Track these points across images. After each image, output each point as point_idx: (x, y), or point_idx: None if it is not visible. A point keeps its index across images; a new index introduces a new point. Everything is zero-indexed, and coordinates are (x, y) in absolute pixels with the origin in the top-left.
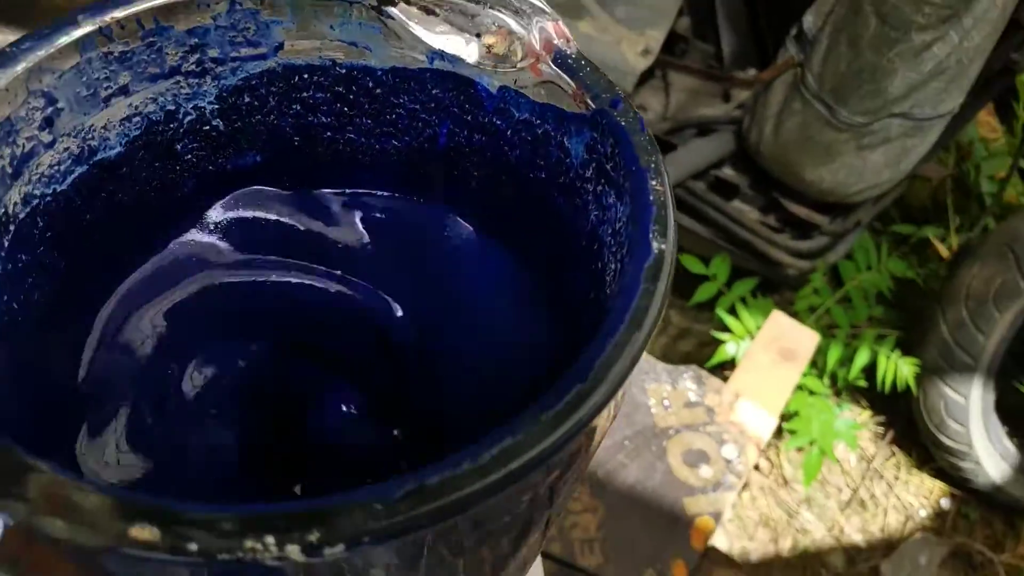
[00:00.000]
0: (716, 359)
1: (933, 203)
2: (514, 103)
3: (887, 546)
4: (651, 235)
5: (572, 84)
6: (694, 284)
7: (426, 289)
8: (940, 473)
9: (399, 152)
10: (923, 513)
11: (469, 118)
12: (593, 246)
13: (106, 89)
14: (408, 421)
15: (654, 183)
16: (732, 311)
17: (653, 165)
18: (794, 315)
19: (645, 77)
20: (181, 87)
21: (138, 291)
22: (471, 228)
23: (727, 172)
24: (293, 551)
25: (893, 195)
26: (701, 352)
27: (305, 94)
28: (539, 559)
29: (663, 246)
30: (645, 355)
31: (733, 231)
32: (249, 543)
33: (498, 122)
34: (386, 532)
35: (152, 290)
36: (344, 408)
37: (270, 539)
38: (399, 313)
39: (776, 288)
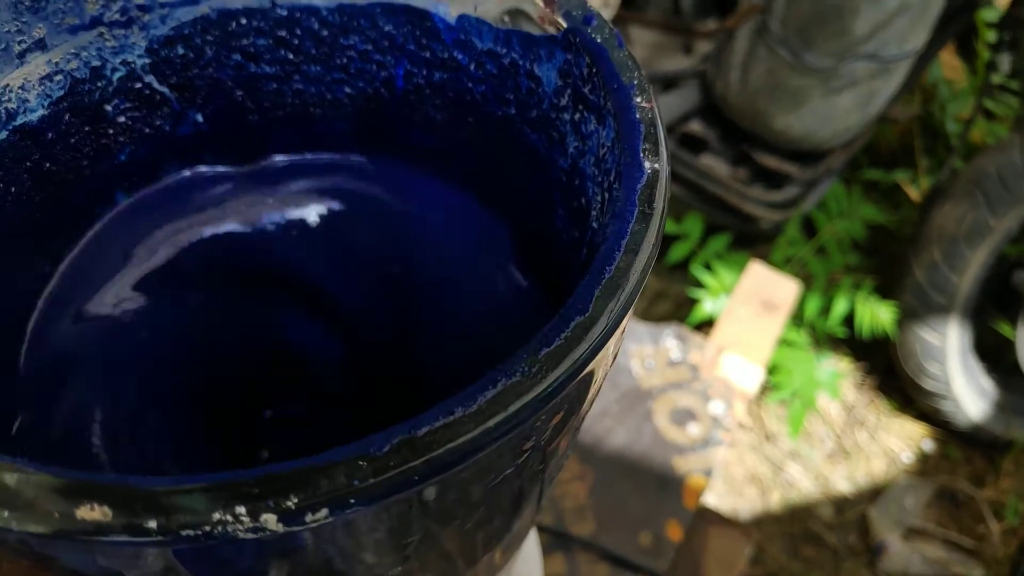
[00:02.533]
0: (694, 318)
1: (901, 147)
2: (476, 32)
3: (873, 492)
4: (642, 154)
5: (539, 3)
6: (666, 244)
7: (397, 266)
8: (921, 416)
9: (354, 100)
10: (906, 456)
11: (427, 54)
12: (575, 181)
13: (20, 44)
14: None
15: (639, 100)
16: (707, 268)
17: (636, 81)
18: (770, 267)
19: None
20: (106, 39)
21: (80, 267)
22: (437, 185)
23: (694, 126)
24: (269, 520)
25: (862, 140)
26: (678, 313)
27: (245, 41)
28: (534, 531)
29: (656, 165)
30: None
31: (704, 187)
32: (217, 515)
33: (459, 56)
34: (374, 492)
35: (95, 266)
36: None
37: (241, 508)
38: (371, 301)
39: (750, 242)
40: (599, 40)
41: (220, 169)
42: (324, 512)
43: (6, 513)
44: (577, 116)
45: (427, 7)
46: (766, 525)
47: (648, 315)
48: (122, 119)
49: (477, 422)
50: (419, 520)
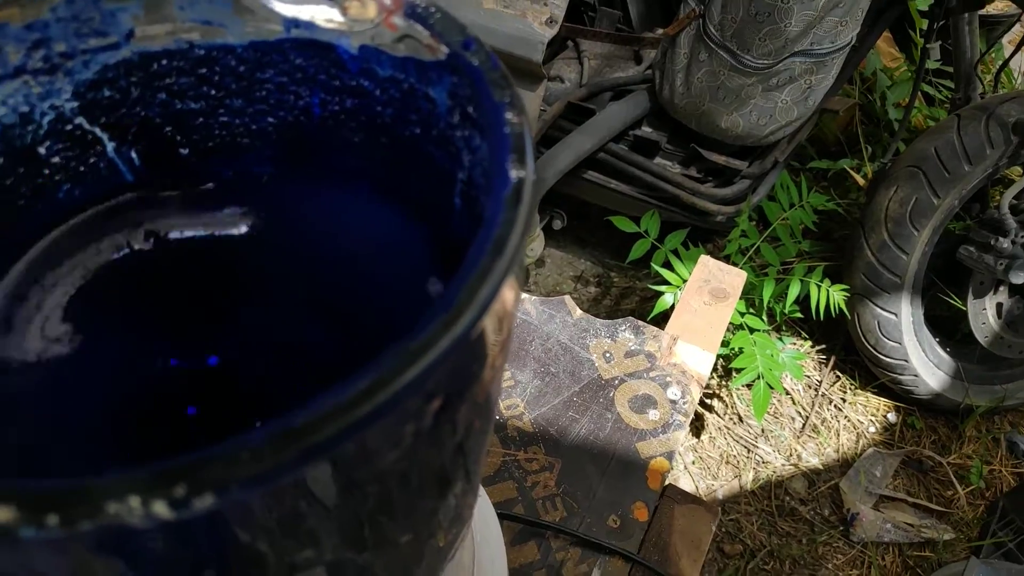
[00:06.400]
0: (656, 310)
1: (846, 136)
2: (376, 61)
3: (843, 464)
4: (508, 165)
5: (425, 32)
6: (629, 243)
7: (334, 268)
8: (883, 389)
9: (277, 128)
10: (872, 429)
11: (337, 83)
12: (471, 191)
13: None
14: None
15: (509, 115)
16: (667, 264)
17: (508, 99)
18: (725, 259)
19: (559, 49)
20: (31, 86)
21: (27, 291)
22: (363, 201)
23: (646, 130)
24: (159, 507)
25: (806, 132)
26: (644, 307)
27: (168, 80)
28: (495, 521)
29: (521, 174)
30: (583, 314)
31: (659, 187)
32: (113, 507)
33: (365, 83)
34: (254, 477)
35: (40, 291)
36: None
37: (135, 499)
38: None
39: (707, 236)
40: (476, 63)
41: (155, 196)
42: (209, 497)
43: None
44: (466, 133)
45: (331, 40)
46: (742, 503)
47: (616, 310)
48: (56, 159)
49: (344, 412)
50: (316, 504)
